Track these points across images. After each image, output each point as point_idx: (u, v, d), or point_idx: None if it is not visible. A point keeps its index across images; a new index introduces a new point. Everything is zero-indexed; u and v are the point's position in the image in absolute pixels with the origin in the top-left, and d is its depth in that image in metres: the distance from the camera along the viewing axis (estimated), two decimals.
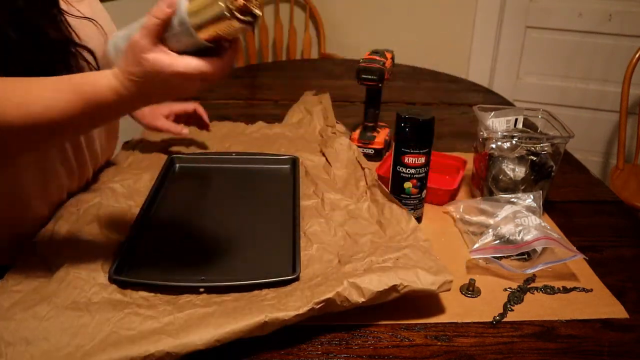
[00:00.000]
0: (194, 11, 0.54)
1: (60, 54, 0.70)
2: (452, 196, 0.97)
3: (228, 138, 1.16)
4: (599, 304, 0.74)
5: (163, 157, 1.04)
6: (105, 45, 0.62)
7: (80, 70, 0.73)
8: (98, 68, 0.75)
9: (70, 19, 0.73)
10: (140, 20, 0.57)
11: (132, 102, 0.59)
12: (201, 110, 1.11)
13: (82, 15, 0.75)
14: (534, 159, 0.89)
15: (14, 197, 0.78)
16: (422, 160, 0.86)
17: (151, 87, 0.57)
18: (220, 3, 0.52)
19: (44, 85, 0.58)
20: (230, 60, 0.59)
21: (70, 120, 0.58)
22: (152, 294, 0.69)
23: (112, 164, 1.02)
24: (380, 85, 1.08)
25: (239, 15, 0.53)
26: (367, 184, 0.94)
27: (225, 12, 0.52)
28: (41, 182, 0.81)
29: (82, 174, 0.90)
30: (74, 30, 0.72)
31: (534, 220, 0.82)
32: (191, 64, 0.55)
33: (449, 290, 0.69)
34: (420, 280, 0.68)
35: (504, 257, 0.81)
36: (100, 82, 0.57)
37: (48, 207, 0.84)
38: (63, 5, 0.72)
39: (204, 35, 0.55)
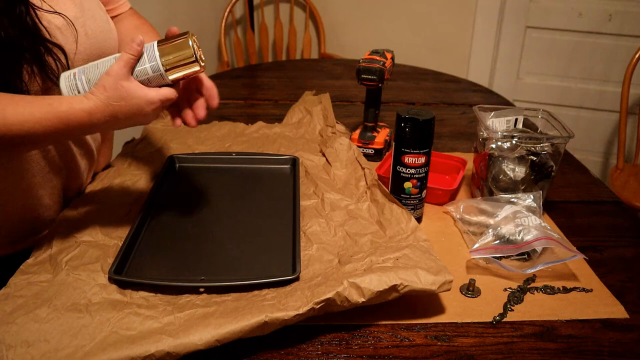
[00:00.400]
0: (167, 61, 0.69)
1: (30, 52, 0.70)
2: (452, 196, 0.97)
3: (228, 138, 1.16)
4: (599, 304, 0.74)
5: (163, 157, 1.04)
6: (61, 79, 0.70)
7: (49, 67, 0.72)
8: (68, 66, 0.75)
9: (42, 15, 0.72)
10: (98, 62, 0.70)
11: (101, 123, 0.68)
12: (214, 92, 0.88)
13: (52, 10, 0.73)
14: (534, 159, 0.89)
15: (20, 187, 0.79)
16: (422, 160, 0.86)
17: (122, 110, 0.67)
18: (190, 55, 0.69)
19: (22, 103, 0.65)
20: (179, 89, 0.73)
21: (44, 135, 0.66)
22: (152, 294, 0.69)
23: (112, 165, 1.02)
24: (380, 85, 1.08)
25: (201, 61, 0.71)
26: (367, 184, 0.94)
27: (194, 58, 0.69)
28: (46, 173, 0.82)
29: (72, 170, 0.90)
30: (44, 27, 0.71)
31: (534, 220, 0.82)
32: (162, 92, 0.69)
33: (449, 290, 0.69)
34: (420, 280, 0.68)
35: (504, 257, 0.81)
36: (74, 104, 0.66)
37: (52, 197, 0.84)
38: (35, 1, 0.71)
39: (172, 77, 0.70)
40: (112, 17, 0.89)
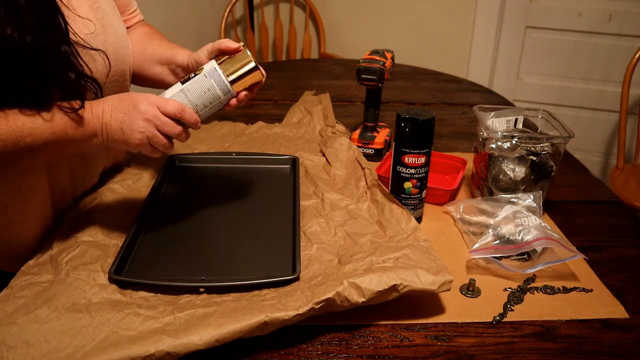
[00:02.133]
0: (229, 75, 0.74)
1: (74, 90, 0.70)
2: (452, 196, 0.97)
3: (228, 138, 1.16)
4: (599, 304, 0.74)
5: (163, 157, 1.04)
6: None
7: (83, 97, 0.72)
8: (101, 93, 0.75)
9: (80, 50, 0.71)
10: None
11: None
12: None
13: (91, 47, 0.73)
14: (534, 159, 0.89)
15: (19, 194, 0.78)
16: (422, 160, 0.86)
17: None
18: (252, 61, 0.74)
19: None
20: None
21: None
22: (152, 294, 0.69)
23: (112, 166, 1.02)
24: (380, 85, 1.08)
25: (260, 68, 0.75)
26: (367, 184, 0.94)
27: (255, 65, 0.74)
28: (45, 179, 0.81)
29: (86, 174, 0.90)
30: (84, 62, 0.71)
31: (534, 220, 0.82)
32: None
33: (449, 290, 0.69)
34: (420, 280, 0.68)
35: (504, 257, 0.81)
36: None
37: (52, 206, 0.84)
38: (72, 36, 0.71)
39: (238, 88, 0.75)
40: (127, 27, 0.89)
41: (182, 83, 0.74)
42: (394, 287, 0.67)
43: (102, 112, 0.70)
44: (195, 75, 0.73)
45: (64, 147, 0.69)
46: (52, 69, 0.66)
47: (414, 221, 0.82)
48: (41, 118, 0.66)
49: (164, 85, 0.85)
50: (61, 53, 0.67)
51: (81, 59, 0.70)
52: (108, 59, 0.77)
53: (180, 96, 0.72)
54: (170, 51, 0.86)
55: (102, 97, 0.74)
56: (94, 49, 0.73)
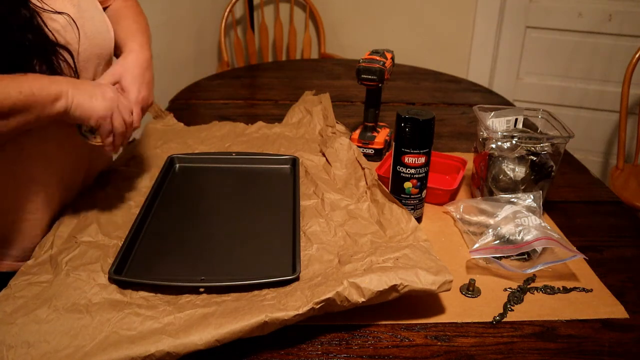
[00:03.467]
0: None
1: (40, 56, 0.71)
2: (452, 196, 0.97)
3: (228, 138, 1.16)
4: (599, 304, 0.74)
5: (163, 157, 1.04)
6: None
7: (57, 67, 0.73)
8: (75, 66, 0.76)
9: (45, 16, 0.72)
10: None
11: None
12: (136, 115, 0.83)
13: (54, 10, 0.73)
14: (534, 159, 0.89)
15: (17, 182, 0.79)
16: (422, 160, 0.86)
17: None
18: None
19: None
20: None
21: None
22: (152, 294, 0.69)
23: (112, 166, 1.02)
24: (380, 85, 1.08)
25: None
26: (367, 184, 0.94)
27: None
28: (43, 167, 0.81)
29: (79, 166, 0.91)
30: (50, 30, 0.72)
31: (534, 220, 0.82)
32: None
33: (449, 290, 0.69)
34: (420, 280, 0.68)
35: (504, 257, 0.81)
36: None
37: (49, 196, 0.84)
38: (36, 2, 0.72)
39: None
40: (104, 9, 0.89)
41: None
42: (394, 287, 0.67)
43: (72, 79, 0.73)
44: None
45: (30, 111, 0.68)
46: (13, 34, 0.68)
47: (414, 221, 0.82)
48: (10, 78, 0.66)
49: None
50: (20, 16, 0.68)
51: (47, 27, 0.71)
52: (76, 25, 0.76)
53: None
54: (121, 41, 0.87)
55: (76, 68, 0.76)
56: (58, 12, 0.74)
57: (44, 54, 0.71)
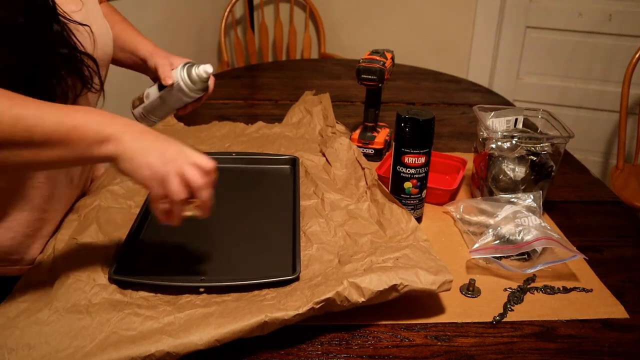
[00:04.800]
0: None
1: (72, 69, 0.71)
2: (452, 196, 0.97)
3: (228, 138, 1.16)
4: (599, 304, 0.74)
5: None
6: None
7: (89, 81, 0.73)
8: (98, 72, 0.76)
9: (72, 27, 0.72)
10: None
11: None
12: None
13: (78, 22, 0.73)
14: (534, 159, 0.89)
15: (20, 192, 0.78)
16: (422, 160, 0.86)
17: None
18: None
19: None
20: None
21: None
22: (152, 294, 0.69)
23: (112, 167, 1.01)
24: (380, 85, 1.08)
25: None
26: (367, 184, 0.94)
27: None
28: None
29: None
30: (77, 39, 0.72)
31: (534, 220, 0.82)
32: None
33: (449, 290, 0.69)
34: (420, 280, 0.68)
35: (504, 257, 0.81)
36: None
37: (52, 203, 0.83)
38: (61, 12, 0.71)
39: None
40: None
41: (160, 89, 0.82)
42: (394, 287, 0.67)
43: (132, 122, 0.62)
44: (175, 84, 0.81)
45: (71, 147, 0.58)
46: (48, 48, 0.67)
47: (414, 221, 0.82)
48: (53, 106, 0.59)
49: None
50: (53, 32, 0.68)
51: (75, 38, 0.71)
52: (93, 34, 0.76)
53: (158, 102, 0.83)
54: (132, 40, 0.88)
55: (100, 75, 0.76)
56: (82, 24, 0.74)
57: (75, 65, 0.71)
